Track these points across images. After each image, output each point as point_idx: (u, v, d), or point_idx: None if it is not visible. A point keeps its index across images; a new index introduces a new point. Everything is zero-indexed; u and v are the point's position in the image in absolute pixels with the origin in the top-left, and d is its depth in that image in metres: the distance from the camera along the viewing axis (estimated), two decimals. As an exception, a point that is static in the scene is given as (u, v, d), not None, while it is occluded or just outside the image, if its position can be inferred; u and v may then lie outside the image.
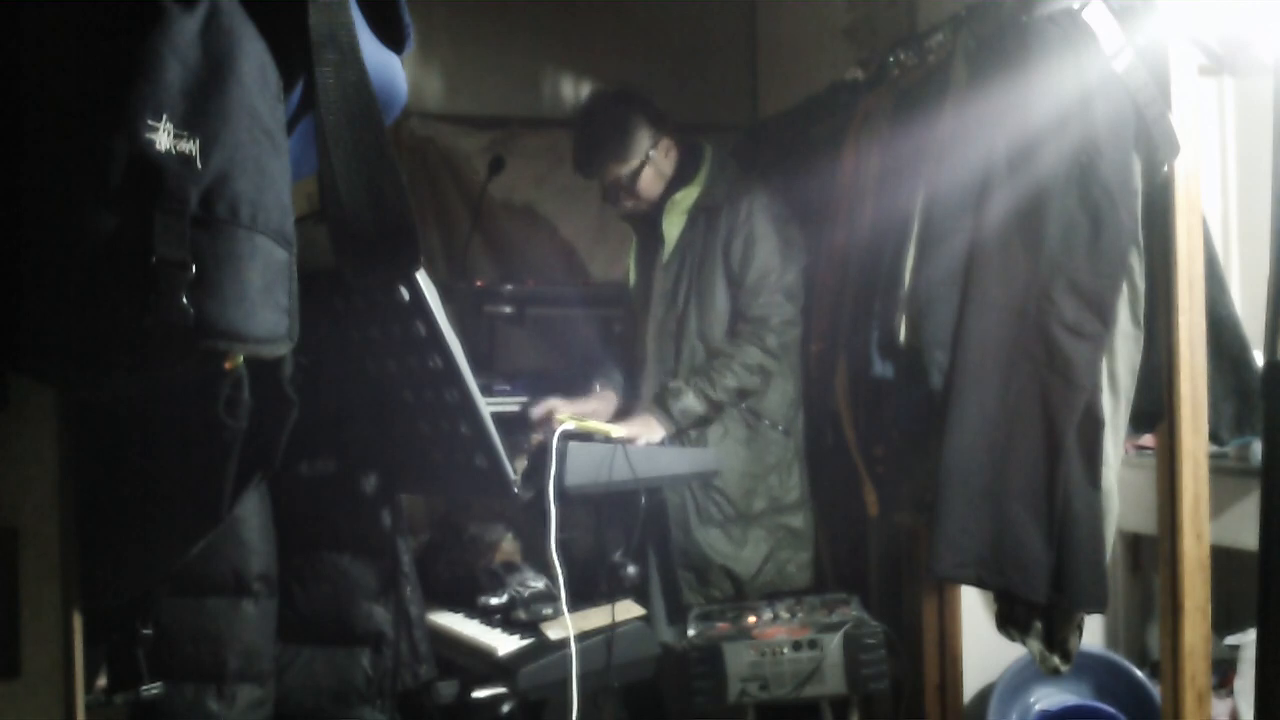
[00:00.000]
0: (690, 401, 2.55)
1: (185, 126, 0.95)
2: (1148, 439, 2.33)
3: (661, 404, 2.56)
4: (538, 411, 2.56)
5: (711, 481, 2.63)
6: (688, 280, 2.72)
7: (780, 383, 2.70)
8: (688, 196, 2.74)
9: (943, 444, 2.08)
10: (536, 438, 2.39)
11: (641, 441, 2.44)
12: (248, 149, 0.99)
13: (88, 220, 0.94)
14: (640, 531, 2.46)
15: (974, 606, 2.70)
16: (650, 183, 2.74)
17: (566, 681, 2.09)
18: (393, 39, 1.17)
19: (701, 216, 2.73)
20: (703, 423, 2.62)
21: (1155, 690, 2.46)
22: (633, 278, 2.98)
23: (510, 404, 2.99)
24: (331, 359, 1.99)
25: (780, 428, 2.70)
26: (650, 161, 2.71)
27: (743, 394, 2.62)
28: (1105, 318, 1.98)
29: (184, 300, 0.94)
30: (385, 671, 2.04)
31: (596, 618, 2.24)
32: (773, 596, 2.64)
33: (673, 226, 2.76)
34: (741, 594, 2.66)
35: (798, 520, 2.73)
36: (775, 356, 2.63)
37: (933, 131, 2.25)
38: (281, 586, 1.89)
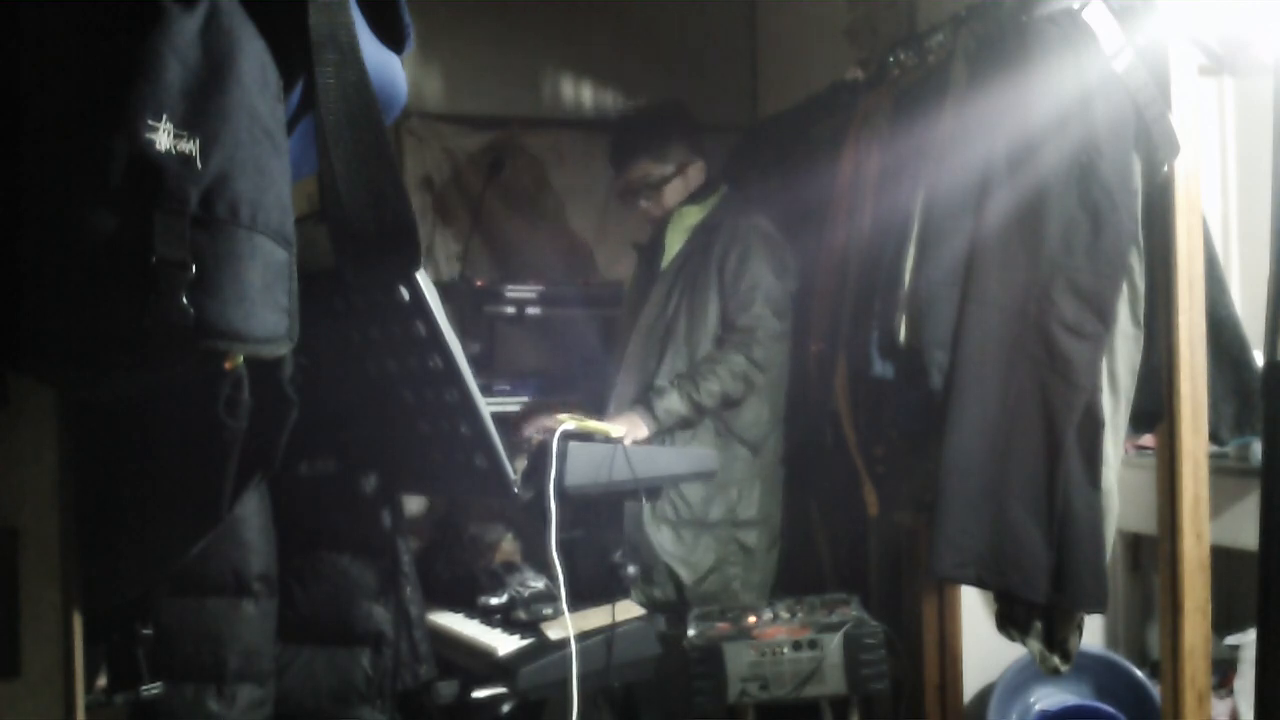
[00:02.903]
0: (674, 402, 2.58)
1: (185, 126, 0.95)
2: (1148, 439, 2.33)
3: (646, 403, 2.59)
4: (526, 430, 2.57)
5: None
6: (681, 289, 2.76)
7: (756, 402, 2.72)
8: (694, 214, 2.83)
9: (943, 444, 2.08)
10: (537, 438, 2.39)
11: (628, 440, 2.44)
12: (248, 149, 0.99)
13: (88, 220, 0.94)
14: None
15: (974, 606, 2.70)
16: (673, 193, 2.84)
17: (566, 681, 2.09)
18: (393, 39, 1.17)
19: (702, 232, 2.79)
20: (684, 425, 2.64)
21: (1155, 690, 2.46)
22: (627, 291, 3.04)
23: (510, 404, 3.00)
24: (331, 359, 1.99)
25: (749, 446, 2.73)
26: (681, 174, 2.82)
27: (726, 400, 2.65)
28: (1105, 318, 1.98)
29: (184, 300, 0.94)
30: (385, 671, 2.04)
31: (596, 618, 2.24)
32: (773, 596, 2.64)
33: (675, 240, 2.83)
34: (683, 598, 2.65)
35: (751, 538, 2.74)
36: (760, 368, 2.66)
37: (933, 131, 2.25)
38: (281, 586, 1.89)
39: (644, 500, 2.40)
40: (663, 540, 2.66)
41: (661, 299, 2.79)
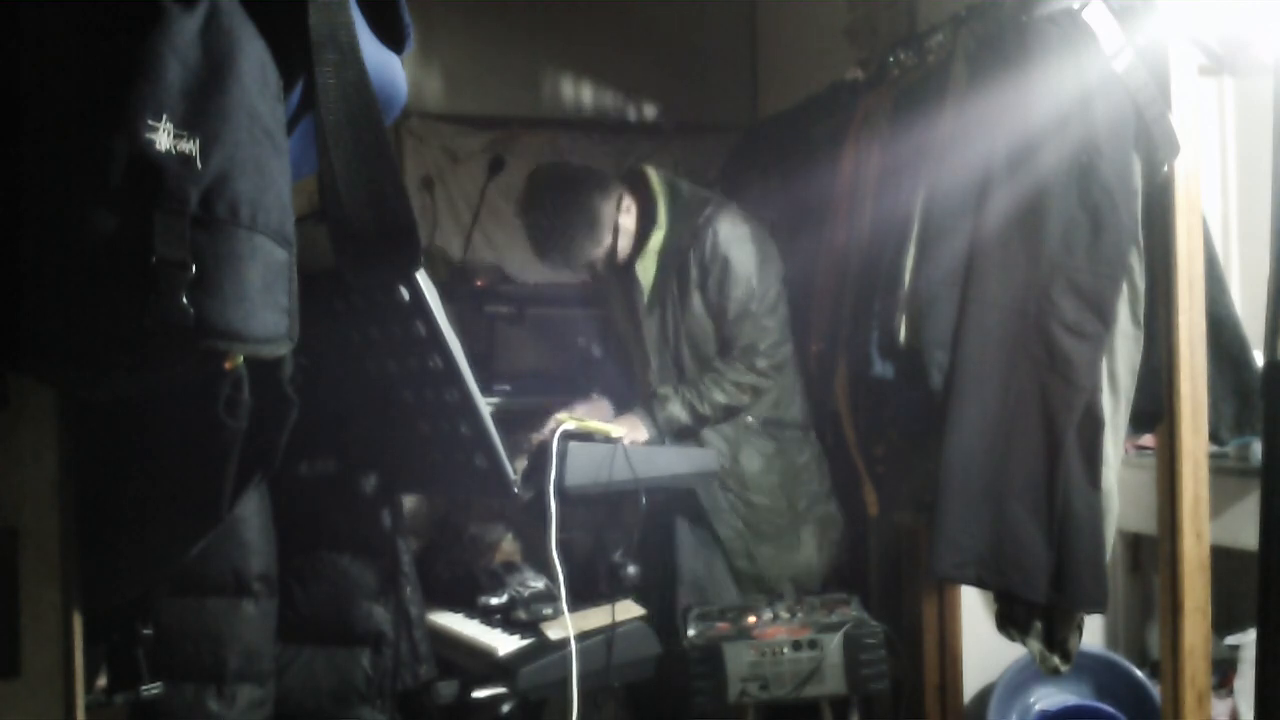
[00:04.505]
0: (676, 410, 2.59)
1: (185, 126, 0.95)
2: (1148, 439, 2.33)
3: (648, 409, 2.59)
4: (546, 431, 2.55)
5: (754, 502, 2.67)
6: (673, 321, 2.71)
7: (790, 386, 2.72)
8: (657, 237, 2.69)
9: (943, 444, 2.08)
10: (537, 438, 2.39)
11: (627, 441, 2.45)
12: (248, 149, 0.99)
13: (88, 220, 0.94)
14: (641, 533, 2.47)
15: (974, 606, 2.70)
16: (625, 245, 2.70)
17: (566, 681, 2.09)
18: (393, 39, 1.17)
19: (672, 255, 2.68)
20: (687, 433, 2.64)
21: (1155, 690, 2.46)
22: (613, 319, 2.97)
23: (510, 404, 3.00)
24: (331, 359, 1.99)
25: (800, 427, 2.74)
26: (620, 230, 2.67)
27: (730, 411, 2.65)
28: (1105, 318, 1.98)
29: (184, 300, 0.94)
30: (385, 671, 2.04)
31: (596, 618, 2.24)
32: (773, 596, 2.65)
33: (647, 272, 2.72)
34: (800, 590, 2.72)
35: (832, 506, 2.79)
36: (767, 376, 2.66)
37: (933, 131, 2.25)
38: (281, 586, 1.89)
39: (643, 501, 2.40)
40: (773, 557, 2.69)
41: (658, 338, 2.73)
